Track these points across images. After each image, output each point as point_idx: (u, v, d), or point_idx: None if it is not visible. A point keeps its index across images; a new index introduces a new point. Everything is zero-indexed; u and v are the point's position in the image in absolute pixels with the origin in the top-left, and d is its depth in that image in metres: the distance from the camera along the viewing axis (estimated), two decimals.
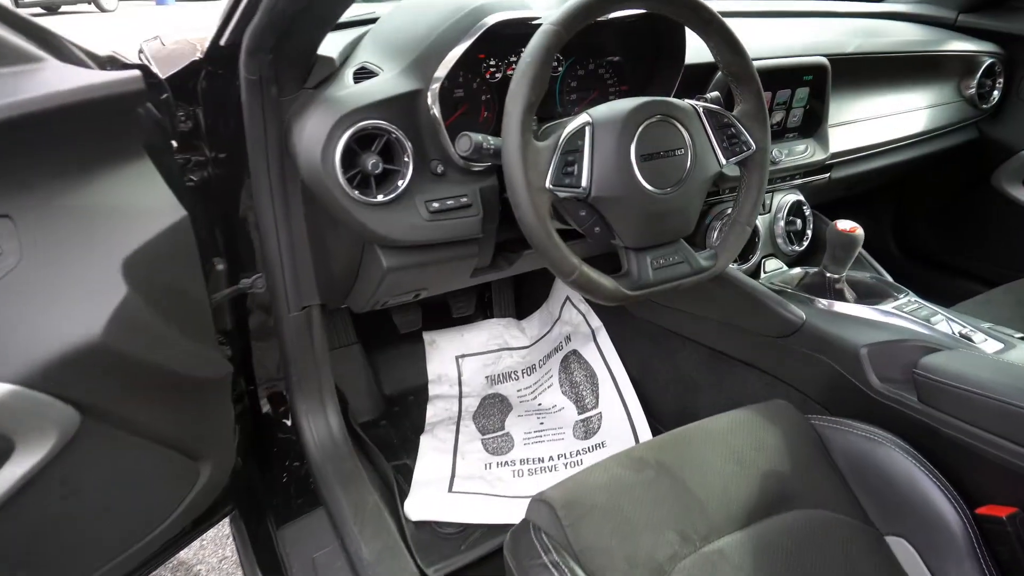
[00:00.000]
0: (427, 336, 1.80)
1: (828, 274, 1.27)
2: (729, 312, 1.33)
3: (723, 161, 0.97)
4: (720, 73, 1.11)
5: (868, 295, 1.29)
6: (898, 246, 2.16)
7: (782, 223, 1.43)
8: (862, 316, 1.20)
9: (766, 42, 1.35)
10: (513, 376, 1.74)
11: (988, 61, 1.75)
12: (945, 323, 1.17)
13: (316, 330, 1.19)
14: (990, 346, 1.10)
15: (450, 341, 1.80)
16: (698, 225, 1.34)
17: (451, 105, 1.06)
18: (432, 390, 1.69)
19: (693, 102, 0.98)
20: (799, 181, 1.45)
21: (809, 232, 1.48)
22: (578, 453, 1.45)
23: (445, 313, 1.84)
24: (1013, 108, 1.81)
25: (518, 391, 1.68)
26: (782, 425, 0.98)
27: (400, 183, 0.94)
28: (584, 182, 0.86)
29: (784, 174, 1.39)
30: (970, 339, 1.12)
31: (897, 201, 2.13)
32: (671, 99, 0.94)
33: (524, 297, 1.94)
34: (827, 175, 1.51)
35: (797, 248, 1.45)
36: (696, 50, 1.10)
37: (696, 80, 1.20)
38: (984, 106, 1.78)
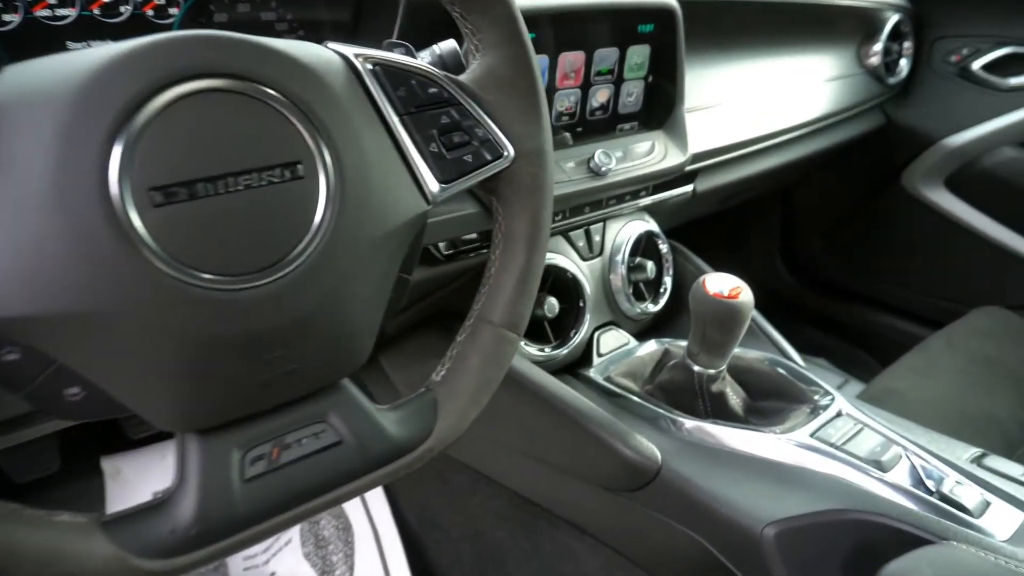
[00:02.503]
0: (107, 464, 1.13)
1: (697, 368, 0.71)
2: (543, 448, 0.76)
3: (433, 188, 0.40)
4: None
5: (768, 395, 0.76)
6: (789, 270, 1.67)
7: (622, 270, 0.87)
8: (760, 454, 0.66)
9: None
10: None
11: (894, 18, 1.27)
12: (904, 460, 0.64)
13: None
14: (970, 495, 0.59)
15: (142, 471, 1.14)
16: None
17: None
18: None
19: (348, 49, 0.39)
20: (647, 200, 0.90)
21: (668, 281, 0.93)
22: None
23: (116, 433, 1.17)
24: (925, 83, 1.35)
25: (244, 555, 1.05)
26: None
27: None
28: None
29: (620, 191, 0.83)
30: (953, 500, 0.60)
31: (784, 212, 1.64)
32: (257, 40, 0.35)
33: None
34: (690, 187, 0.97)
35: (650, 308, 0.90)
36: None
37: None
38: (890, 80, 1.30)
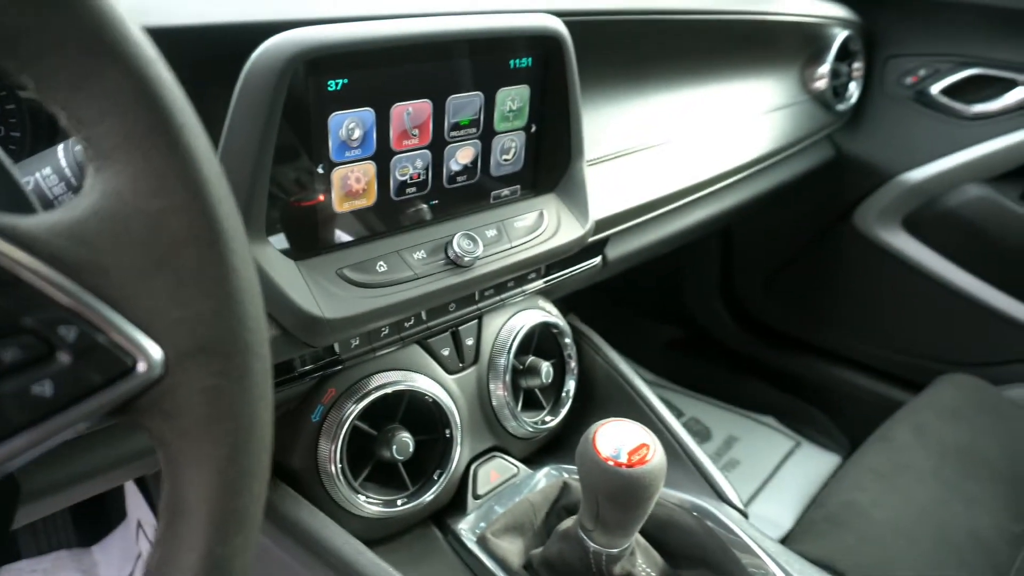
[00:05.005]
0: None
1: (593, 546, 0.51)
2: None
3: None
4: None
5: (694, 562, 0.56)
6: (732, 315, 1.49)
7: (506, 379, 0.66)
8: None
9: None
10: None
11: (842, 35, 1.09)
12: None
13: None
14: None
15: None
16: None
17: None
18: None
19: None
20: (537, 284, 0.69)
21: (571, 384, 0.73)
22: None
23: None
24: (878, 109, 1.18)
25: None
26: None
27: None
28: None
29: (496, 281, 0.62)
30: None
31: (724, 252, 1.46)
32: None
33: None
34: (597, 259, 0.77)
35: (548, 422, 0.70)
36: None
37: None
38: (839, 107, 1.12)
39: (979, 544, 0.74)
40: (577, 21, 0.65)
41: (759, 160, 0.97)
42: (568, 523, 0.53)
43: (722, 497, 0.67)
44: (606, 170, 0.75)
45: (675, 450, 0.71)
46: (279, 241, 0.49)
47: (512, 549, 0.56)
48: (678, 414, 1.46)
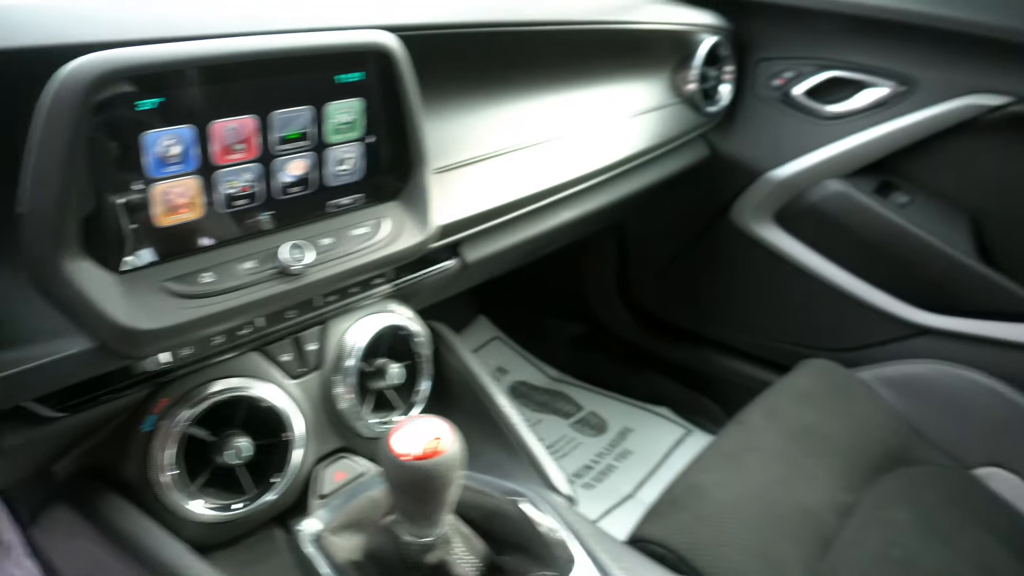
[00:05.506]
0: None
1: (405, 537, 0.53)
2: None
3: None
4: None
5: (516, 547, 0.59)
6: (628, 310, 1.55)
7: (352, 382, 0.68)
8: None
9: None
10: None
11: (710, 41, 1.15)
12: None
13: None
14: None
15: None
16: None
17: None
18: None
19: None
20: (387, 288, 0.72)
21: (424, 385, 0.75)
22: None
23: None
24: (749, 110, 1.24)
25: None
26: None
27: None
28: None
29: (335, 287, 0.65)
30: None
31: (620, 248, 1.51)
32: None
33: None
34: (452, 261, 0.80)
35: (396, 421, 0.72)
36: None
37: None
38: (709, 109, 1.18)
39: (808, 516, 0.80)
40: (412, 32, 0.68)
41: (626, 161, 1.02)
42: (390, 517, 0.56)
43: (549, 485, 0.71)
44: (460, 176, 0.77)
45: (511, 444, 0.74)
46: (103, 256, 0.50)
47: (348, 546, 0.59)
48: (577, 408, 1.51)
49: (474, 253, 0.83)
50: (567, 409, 1.51)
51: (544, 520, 0.58)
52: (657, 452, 1.37)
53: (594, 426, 1.46)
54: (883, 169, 1.16)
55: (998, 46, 1.00)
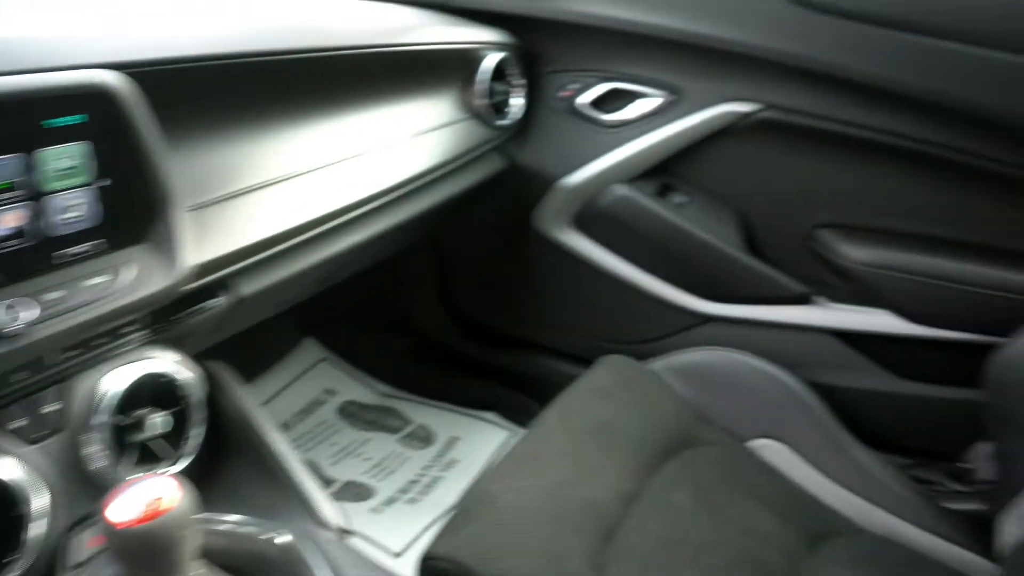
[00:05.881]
0: None
1: None
2: None
3: None
4: None
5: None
6: (451, 318, 1.57)
7: (104, 438, 0.64)
8: None
9: None
10: None
11: (497, 57, 1.18)
12: None
13: None
14: None
15: None
16: None
17: None
18: None
19: None
20: (142, 335, 0.69)
21: (195, 431, 0.73)
22: None
23: None
24: (541, 121, 1.29)
25: None
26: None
27: None
28: None
29: (66, 343, 0.61)
30: None
31: (437, 258, 1.53)
32: None
33: None
34: (219, 299, 0.77)
35: (169, 472, 0.69)
36: None
37: None
38: (502, 122, 1.22)
39: (594, 509, 0.85)
40: (149, 68, 0.65)
41: (414, 179, 1.03)
42: None
43: (320, 522, 0.71)
44: (224, 209, 0.75)
45: (284, 484, 0.74)
46: None
47: None
48: (406, 423, 1.51)
49: (251, 286, 0.81)
50: (396, 424, 1.51)
51: (310, 559, 0.58)
52: (482, 458, 1.40)
53: (422, 439, 1.47)
54: (664, 172, 1.24)
55: (748, 60, 1.10)
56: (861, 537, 0.99)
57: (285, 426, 1.47)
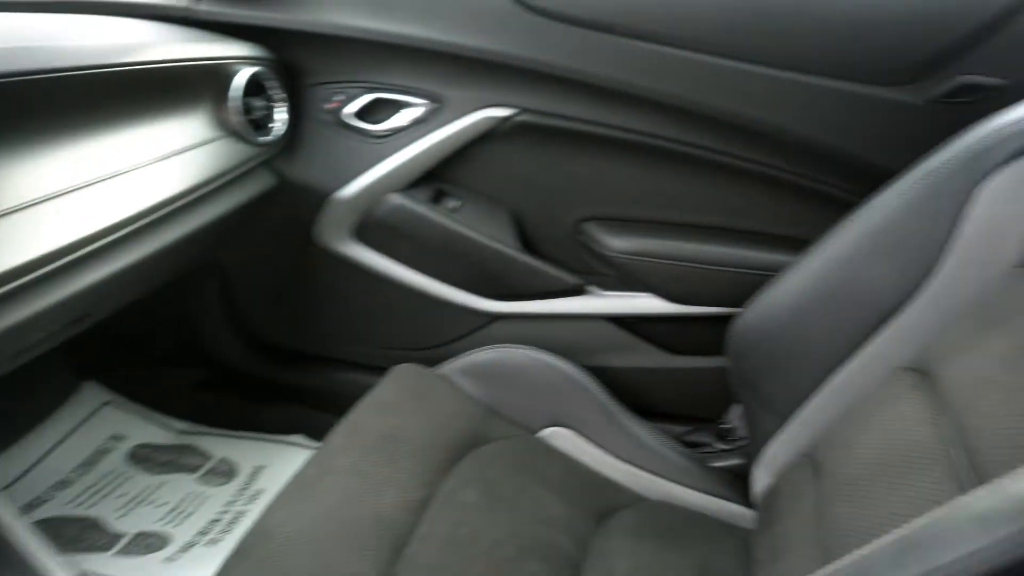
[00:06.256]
0: None
1: None
2: None
3: None
4: None
5: None
6: (244, 342, 1.50)
7: None
8: None
9: None
10: None
11: (249, 71, 1.14)
12: None
13: None
14: None
15: None
16: None
17: None
18: None
19: None
20: None
21: None
22: None
23: None
24: (308, 135, 1.26)
25: None
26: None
27: None
28: None
29: None
30: None
31: (222, 280, 1.45)
32: None
33: None
34: None
35: None
36: None
37: None
38: (264, 139, 1.18)
39: (382, 523, 0.85)
40: None
41: (164, 204, 0.97)
42: None
43: None
44: None
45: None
46: None
47: None
48: (205, 459, 1.43)
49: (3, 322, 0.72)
50: (195, 463, 1.42)
51: None
52: None
53: (224, 473, 1.39)
54: (437, 178, 1.26)
55: (499, 67, 1.14)
56: (642, 505, 1.07)
57: (63, 484, 1.34)
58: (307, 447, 1.46)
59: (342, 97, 1.24)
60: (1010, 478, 0.40)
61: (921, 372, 0.78)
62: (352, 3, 1.19)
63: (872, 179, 0.94)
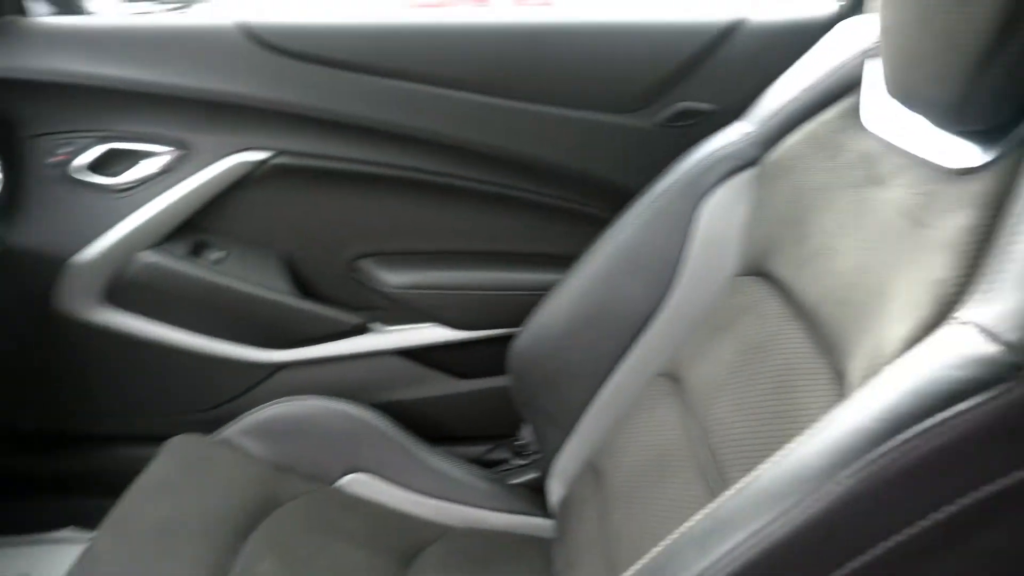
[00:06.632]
0: None
1: None
2: None
3: None
4: None
5: None
6: None
7: None
8: None
9: None
10: None
11: None
12: None
13: None
14: None
15: None
16: None
17: None
18: None
19: None
20: None
21: None
22: None
23: None
24: (33, 194, 1.12)
25: None
26: None
27: None
28: None
29: None
30: None
31: None
32: None
33: None
34: None
35: None
36: None
37: None
38: None
39: None
40: None
41: None
42: None
43: None
44: None
45: None
46: None
47: None
48: None
49: None
50: None
51: None
52: None
53: None
54: (196, 229, 1.18)
55: (248, 110, 1.09)
56: (449, 536, 1.07)
57: None
58: (79, 540, 1.29)
59: (69, 149, 1.11)
60: (722, 498, 0.46)
61: (673, 378, 0.87)
62: (72, 44, 1.08)
63: (622, 198, 1.02)
